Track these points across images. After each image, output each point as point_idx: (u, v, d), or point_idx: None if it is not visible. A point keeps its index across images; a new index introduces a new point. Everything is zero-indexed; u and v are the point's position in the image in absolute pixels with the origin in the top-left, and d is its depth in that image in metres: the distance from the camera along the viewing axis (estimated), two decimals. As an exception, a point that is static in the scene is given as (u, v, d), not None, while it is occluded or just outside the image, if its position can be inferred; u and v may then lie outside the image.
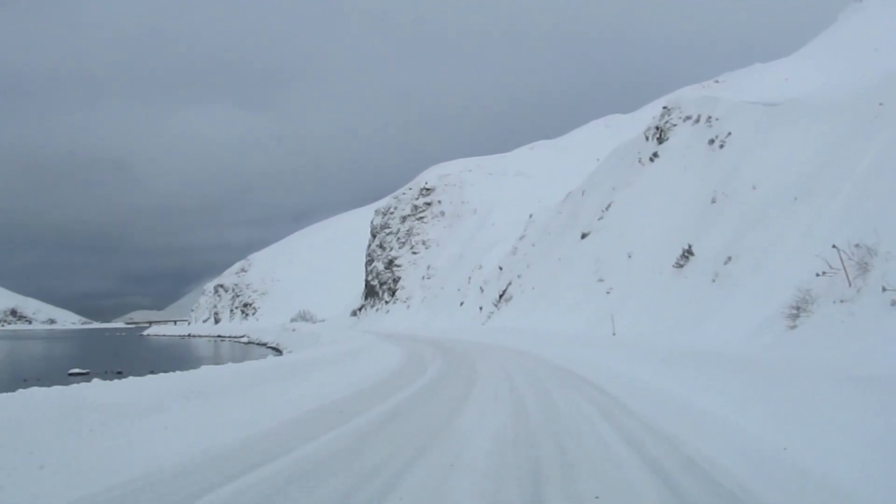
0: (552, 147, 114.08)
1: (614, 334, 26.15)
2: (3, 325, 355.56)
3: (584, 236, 41.53)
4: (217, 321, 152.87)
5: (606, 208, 40.38)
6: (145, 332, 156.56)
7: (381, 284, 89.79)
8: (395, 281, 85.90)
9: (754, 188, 26.53)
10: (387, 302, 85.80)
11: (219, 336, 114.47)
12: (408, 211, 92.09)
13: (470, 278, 67.23)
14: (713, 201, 29.54)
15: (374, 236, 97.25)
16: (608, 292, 32.17)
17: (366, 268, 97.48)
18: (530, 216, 63.60)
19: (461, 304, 65.16)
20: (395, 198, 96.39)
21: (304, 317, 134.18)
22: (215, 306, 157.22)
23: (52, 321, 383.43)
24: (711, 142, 35.31)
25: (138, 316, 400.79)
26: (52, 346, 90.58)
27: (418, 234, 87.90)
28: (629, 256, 33.07)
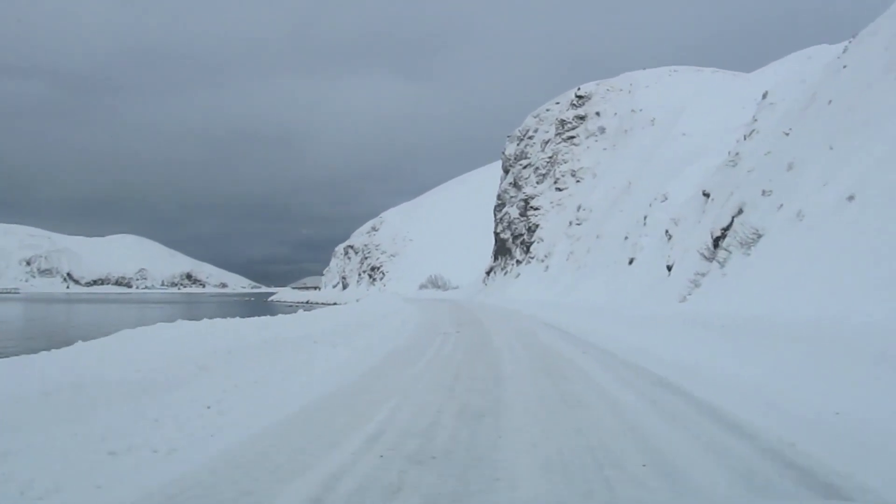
0: (743, 80, 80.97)
1: None
2: (179, 288, 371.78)
3: None
4: (345, 286, 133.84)
5: None
6: (270, 299, 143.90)
7: (515, 237, 62.96)
8: (532, 231, 58.66)
9: None
10: (518, 262, 58.90)
11: (325, 304, 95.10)
12: (552, 133, 63.93)
13: (646, 218, 38.82)
14: None
15: (506, 172, 70.19)
16: None
17: (495, 215, 70.98)
18: (764, 95, 33.84)
19: (630, 261, 37.10)
20: (536, 116, 68.32)
21: (434, 283, 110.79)
22: (343, 270, 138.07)
23: (223, 285, 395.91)
24: None
25: (310, 281, 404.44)
26: (137, 309, 74.00)
27: (565, 162, 59.65)
28: None
